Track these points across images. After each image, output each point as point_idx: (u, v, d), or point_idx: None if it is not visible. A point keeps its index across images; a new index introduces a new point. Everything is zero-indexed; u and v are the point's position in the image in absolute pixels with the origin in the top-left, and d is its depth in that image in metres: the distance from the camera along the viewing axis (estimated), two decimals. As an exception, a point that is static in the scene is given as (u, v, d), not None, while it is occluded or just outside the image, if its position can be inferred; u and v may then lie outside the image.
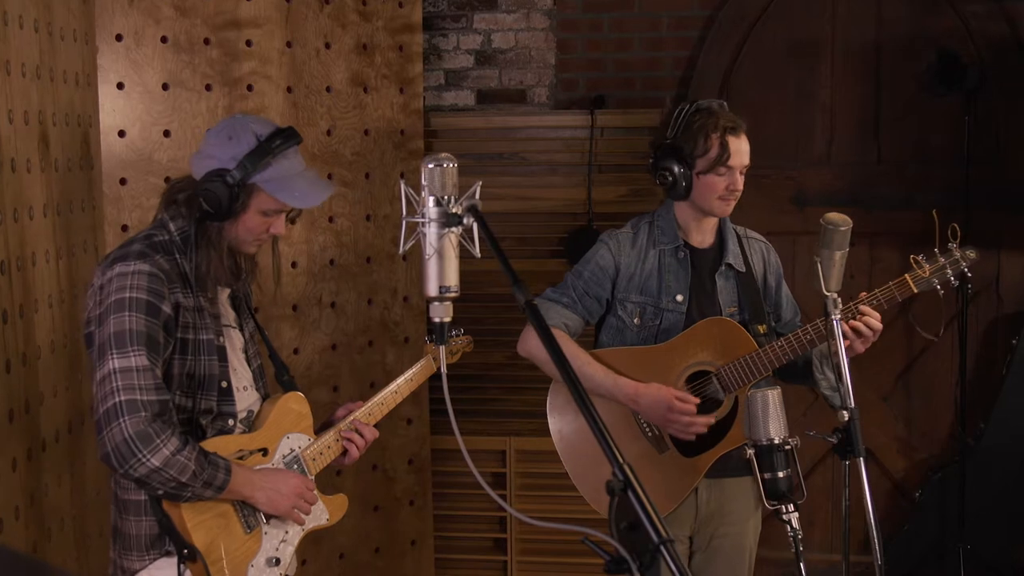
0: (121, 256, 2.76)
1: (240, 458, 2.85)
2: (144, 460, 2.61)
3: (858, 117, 5.24)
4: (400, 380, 3.33)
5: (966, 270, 3.37)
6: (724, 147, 3.41)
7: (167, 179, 3.87)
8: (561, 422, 3.62)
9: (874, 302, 3.35)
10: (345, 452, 3.14)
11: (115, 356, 2.66)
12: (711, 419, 3.41)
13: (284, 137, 2.84)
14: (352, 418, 3.15)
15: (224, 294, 2.96)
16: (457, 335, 3.61)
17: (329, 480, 4.38)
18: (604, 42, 5.35)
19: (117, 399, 2.64)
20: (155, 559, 2.80)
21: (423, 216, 2.07)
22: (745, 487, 3.52)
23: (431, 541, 5.03)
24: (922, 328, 4.22)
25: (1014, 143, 5.05)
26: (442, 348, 2.18)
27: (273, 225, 2.89)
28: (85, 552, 3.59)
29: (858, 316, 3.32)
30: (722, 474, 3.49)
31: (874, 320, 3.32)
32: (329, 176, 4.53)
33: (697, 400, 3.41)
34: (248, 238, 2.88)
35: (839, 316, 3.03)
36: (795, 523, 2.85)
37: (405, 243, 2.11)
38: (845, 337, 3.27)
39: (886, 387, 5.29)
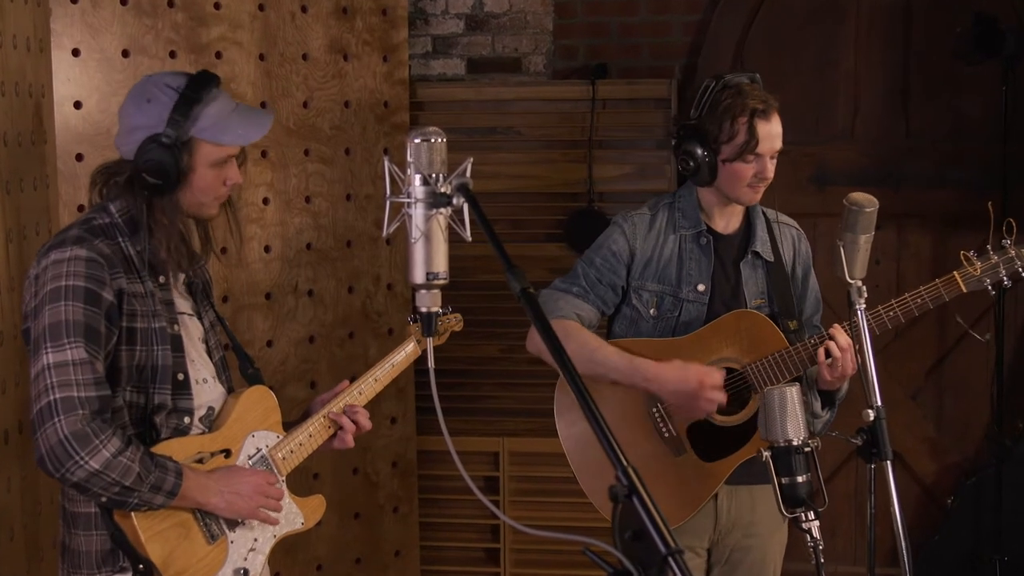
0: (57, 243, 2.75)
1: (200, 461, 2.82)
2: (82, 463, 2.59)
3: (885, 87, 5.24)
4: (388, 364, 3.27)
5: (1021, 270, 3.37)
6: (752, 133, 3.35)
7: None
8: (570, 420, 3.60)
9: (918, 301, 3.34)
10: (333, 436, 3.10)
11: (50, 350, 2.65)
12: (736, 419, 3.41)
13: (201, 81, 2.85)
14: (343, 402, 3.11)
15: (179, 280, 2.96)
16: (445, 313, 3.51)
17: (306, 485, 4.38)
18: (606, 5, 5.34)
19: (52, 397, 2.62)
20: None
21: (409, 196, 2.06)
22: (770, 495, 3.48)
23: (417, 551, 5.05)
24: (963, 322, 4.22)
25: (1056, 116, 5.06)
26: (430, 340, 2.17)
27: (228, 176, 2.89)
28: (37, 564, 3.59)
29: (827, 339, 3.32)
30: (746, 480, 3.46)
31: (842, 339, 3.31)
32: (306, 152, 4.53)
33: (723, 373, 3.37)
34: (206, 199, 2.88)
35: (863, 306, 3.04)
36: (815, 532, 2.86)
37: (389, 225, 2.10)
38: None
39: (915, 383, 5.30)
